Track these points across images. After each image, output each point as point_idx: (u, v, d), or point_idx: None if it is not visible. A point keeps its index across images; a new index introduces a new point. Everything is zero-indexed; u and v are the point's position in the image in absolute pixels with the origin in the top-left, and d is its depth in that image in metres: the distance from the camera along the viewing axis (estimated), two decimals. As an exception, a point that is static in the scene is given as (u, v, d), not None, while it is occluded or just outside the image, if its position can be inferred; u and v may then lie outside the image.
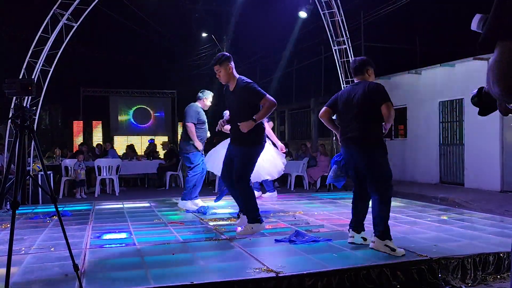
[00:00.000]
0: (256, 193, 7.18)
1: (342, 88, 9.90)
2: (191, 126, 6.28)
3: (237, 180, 4.46)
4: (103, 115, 20.48)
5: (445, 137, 10.93)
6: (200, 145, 6.31)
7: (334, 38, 9.85)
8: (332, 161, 4.42)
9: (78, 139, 18.55)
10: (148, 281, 3.06)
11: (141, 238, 4.56)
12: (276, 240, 4.28)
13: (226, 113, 5.49)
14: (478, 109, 1.44)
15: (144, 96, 20.97)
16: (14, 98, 6.20)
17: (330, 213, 6.21)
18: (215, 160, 5.99)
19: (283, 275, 3.13)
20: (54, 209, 3.08)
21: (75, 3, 7.88)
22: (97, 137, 19.89)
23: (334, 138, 10.53)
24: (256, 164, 5.05)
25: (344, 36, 9.69)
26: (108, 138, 19.54)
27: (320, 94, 16.94)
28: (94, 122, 20.40)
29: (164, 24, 18.64)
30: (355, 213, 4.15)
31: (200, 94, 6.57)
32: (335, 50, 9.92)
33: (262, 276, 3.12)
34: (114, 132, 20.39)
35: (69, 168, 9.32)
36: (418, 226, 5.14)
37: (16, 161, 2.89)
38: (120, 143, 19.16)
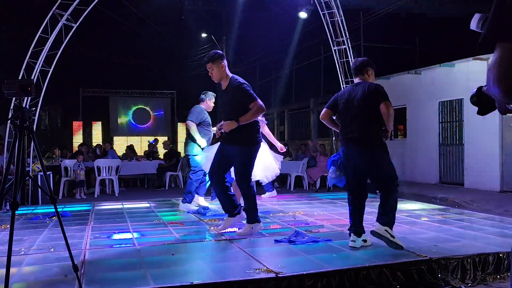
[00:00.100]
0: (268, 194, 7.21)
1: (342, 88, 9.90)
2: (191, 124, 6.25)
3: (239, 181, 4.50)
4: (103, 115, 20.47)
5: (444, 137, 10.94)
6: (203, 142, 6.27)
7: (333, 38, 9.84)
8: (329, 162, 4.40)
9: (78, 140, 18.54)
10: (148, 281, 3.05)
11: (141, 239, 4.56)
12: (276, 241, 4.27)
13: None
14: (477, 108, 1.44)
15: (144, 97, 20.97)
16: (14, 98, 6.19)
17: (330, 213, 6.21)
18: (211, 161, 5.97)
19: (283, 275, 3.13)
20: (53, 210, 3.08)
21: (75, 3, 7.88)
22: (97, 138, 19.88)
23: (333, 138, 10.53)
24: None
25: (344, 36, 9.69)
26: (107, 138, 19.54)
27: (319, 94, 16.94)
28: (93, 122, 20.39)
29: (163, 24, 18.65)
30: (354, 215, 4.12)
31: (203, 96, 6.49)
32: (334, 50, 9.92)
33: (262, 277, 3.11)
34: (113, 132, 20.38)
35: (69, 168, 9.31)
36: (417, 226, 5.14)
37: (15, 161, 2.89)
38: (120, 144, 19.16)
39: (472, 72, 9.38)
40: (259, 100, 4.35)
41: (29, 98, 7.39)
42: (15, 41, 14.97)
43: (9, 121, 6.80)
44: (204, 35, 19.68)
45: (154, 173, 11.13)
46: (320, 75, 16.85)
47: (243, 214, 4.65)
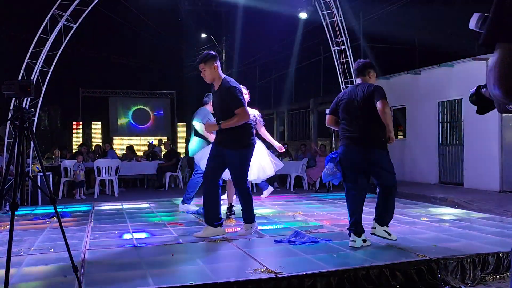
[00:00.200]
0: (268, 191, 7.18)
1: (341, 89, 9.92)
2: (198, 124, 6.20)
3: (236, 184, 4.50)
4: (102, 116, 20.48)
5: (444, 137, 10.94)
6: (213, 138, 6.24)
7: (333, 38, 9.85)
8: (327, 159, 4.43)
9: (77, 140, 18.53)
10: (148, 282, 3.05)
11: (140, 239, 4.56)
12: (276, 241, 4.28)
13: None
14: (476, 108, 1.44)
15: (143, 97, 20.98)
16: (13, 99, 6.20)
17: (330, 213, 6.21)
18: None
19: (283, 275, 3.13)
20: (53, 210, 3.08)
21: (74, 4, 7.88)
22: (97, 138, 19.88)
23: (333, 138, 10.54)
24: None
25: (343, 36, 9.69)
26: (107, 139, 19.54)
27: (319, 95, 16.95)
28: (93, 123, 20.39)
29: (163, 25, 18.65)
30: (353, 213, 4.14)
31: (206, 99, 6.46)
32: (334, 50, 9.92)
33: (261, 277, 3.11)
34: (113, 133, 20.38)
35: (69, 169, 9.31)
36: (417, 226, 5.14)
37: (15, 162, 2.89)
38: (120, 144, 19.16)
39: (471, 72, 9.39)
40: (245, 107, 4.32)
41: (29, 98, 7.39)
42: (14, 41, 14.98)
43: (8, 122, 6.80)
44: (203, 35, 19.70)
45: (154, 174, 11.12)
46: (320, 75, 16.86)
47: (224, 228, 4.54)
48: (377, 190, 4.22)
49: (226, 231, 4.72)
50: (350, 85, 9.78)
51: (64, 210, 6.66)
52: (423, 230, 4.86)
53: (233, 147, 4.36)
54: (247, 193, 4.52)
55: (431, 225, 5.23)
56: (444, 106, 10.86)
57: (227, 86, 4.34)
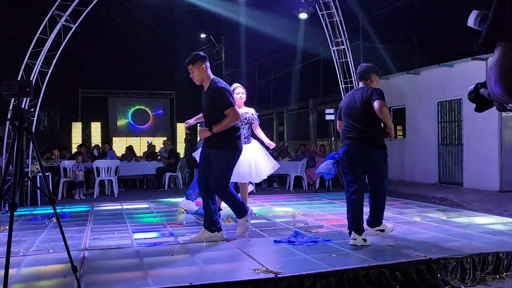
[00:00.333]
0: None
1: (341, 89, 9.93)
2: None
3: (215, 186, 4.30)
4: (102, 116, 20.47)
5: (443, 137, 10.94)
6: None
7: (332, 38, 9.85)
8: (328, 156, 4.66)
9: (77, 141, 18.53)
10: (147, 282, 3.05)
11: (140, 239, 4.56)
12: (275, 241, 4.28)
13: None
14: (475, 106, 1.44)
15: (143, 97, 20.97)
16: (12, 99, 6.19)
17: (329, 213, 6.21)
18: None
19: (282, 275, 3.13)
20: (52, 211, 3.08)
21: (73, 4, 7.88)
22: (96, 139, 19.88)
23: (333, 138, 10.53)
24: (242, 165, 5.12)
25: (343, 36, 9.70)
26: (107, 139, 19.53)
27: (319, 95, 16.95)
28: (93, 123, 20.38)
29: (162, 25, 18.64)
30: (354, 212, 4.20)
31: None
32: (333, 50, 9.93)
33: (261, 277, 3.11)
34: (113, 133, 20.37)
35: (68, 169, 9.30)
36: (417, 226, 5.14)
37: (14, 162, 2.88)
38: (119, 145, 19.15)
39: (471, 72, 9.39)
40: (236, 107, 4.23)
41: (28, 99, 7.39)
42: (14, 41, 14.97)
43: (8, 122, 6.80)
44: (203, 35, 19.69)
45: (154, 174, 11.12)
46: (319, 76, 16.86)
47: (222, 233, 4.44)
48: (369, 191, 4.39)
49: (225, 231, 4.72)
50: (349, 85, 9.82)
51: (63, 210, 6.66)
52: (423, 230, 4.86)
53: (218, 149, 4.25)
54: (229, 195, 4.36)
55: (430, 225, 5.23)
56: (444, 106, 10.86)
57: (216, 87, 4.25)
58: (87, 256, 3.81)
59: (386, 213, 5.96)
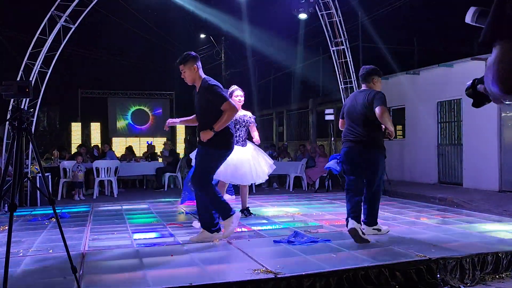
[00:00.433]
0: (229, 197, 7.08)
1: (340, 89, 9.93)
2: None
3: (194, 181, 4.22)
4: (102, 116, 20.45)
5: (443, 137, 10.95)
6: None
7: (332, 39, 9.86)
8: (331, 158, 4.91)
9: (76, 141, 18.51)
10: (147, 282, 3.05)
11: (139, 240, 4.56)
12: (275, 241, 4.28)
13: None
14: (475, 109, 1.44)
15: (143, 98, 20.95)
16: (12, 100, 6.19)
17: (329, 213, 6.21)
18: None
19: (282, 276, 3.13)
20: (52, 211, 3.08)
21: (73, 4, 7.87)
22: (96, 139, 19.86)
23: (332, 138, 10.53)
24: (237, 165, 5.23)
25: (342, 37, 9.70)
26: (106, 139, 19.51)
27: (318, 95, 16.95)
28: (92, 123, 20.35)
29: (162, 25, 18.64)
30: (353, 207, 4.36)
31: None
32: (333, 51, 9.93)
33: (261, 277, 3.11)
34: (112, 133, 20.35)
35: (68, 169, 9.29)
36: (416, 226, 5.14)
37: (13, 163, 2.88)
38: (119, 145, 19.13)
39: (470, 72, 9.38)
40: (230, 100, 4.19)
41: (27, 99, 7.39)
42: (13, 42, 14.96)
43: (7, 123, 6.79)
44: (202, 35, 19.69)
45: (153, 174, 11.12)
46: (319, 76, 16.86)
47: (221, 233, 4.36)
48: (365, 191, 4.49)
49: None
50: (349, 85, 9.82)
51: (63, 211, 6.65)
52: (423, 230, 4.86)
53: (209, 145, 4.16)
54: (212, 193, 4.21)
55: (430, 225, 5.23)
56: (443, 106, 10.86)
57: (206, 85, 4.20)
58: (86, 257, 3.81)
59: (386, 213, 5.99)
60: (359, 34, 13.90)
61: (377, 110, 4.22)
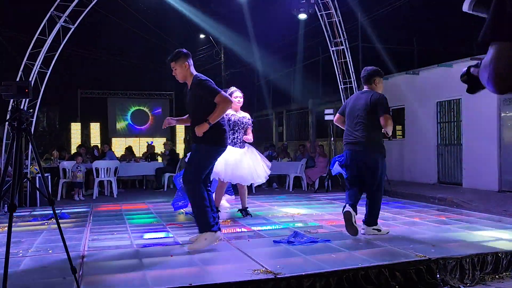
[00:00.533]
0: (229, 197, 7.07)
1: (340, 89, 9.94)
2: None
3: (185, 180, 4.08)
4: (101, 117, 20.44)
5: (443, 137, 10.95)
6: None
7: (331, 39, 9.86)
8: (333, 160, 5.00)
9: (76, 141, 18.50)
10: (147, 283, 3.05)
11: (139, 240, 4.56)
12: (275, 241, 4.28)
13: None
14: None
15: (142, 98, 20.94)
16: (11, 100, 6.18)
17: (328, 214, 6.21)
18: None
19: (282, 276, 3.13)
20: (52, 212, 3.07)
21: (72, 5, 7.87)
22: (95, 139, 19.85)
23: (332, 139, 10.53)
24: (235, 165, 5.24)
25: (342, 37, 9.70)
26: (106, 140, 19.50)
27: (318, 95, 16.94)
28: (92, 124, 20.35)
29: (161, 25, 18.63)
30: (351, 199, 4.54)
31: None
32: (332, 51, 9.93)
33: (260, 278, 3.11)
34: (112, 134, 20.34)
35: (67, 170, 9.29)
36: (416, 227, 5.14)
37: (13, 163, 2.88)
38: (119, 145, 19.12)
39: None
40: (223, 92, 4.05)
41: (27, 99, 7.38)
42: (13, 42, 14.96)
43: (7, 123, 6.79)
44: (202, 36, 19.68)
45: (153, 175, 11.11)
46: (319, 76, 16.86)
47: (220, 233, 4.15)
48: (366, 192, 4.62)
49: (224, 232, 4.72)
50: (348, 85, 9.82)
51: (62, 211, 6.65)
52: (422, 230, 4.86)
53: (200, 141, 4.06)
54: (197, 193, 3.99)
55: (430, 225, 5.23)
56: (443, 106, 10.87)
57: (196, 81, 4.13)
58: (86, 257, 3.81)
59: (386, 214, 5.99)
60: (358, 34, 13.91)
61: (382, 120, 4.38)
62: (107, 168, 9.48)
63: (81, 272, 3.31)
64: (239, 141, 5.75)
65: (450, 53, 12.39)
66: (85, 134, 20.02)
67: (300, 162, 10.52)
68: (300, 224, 5.41)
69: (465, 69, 1.41)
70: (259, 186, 9.70)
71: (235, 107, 5.85)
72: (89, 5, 8.04)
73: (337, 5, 9.58)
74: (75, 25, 8.14)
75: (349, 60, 9.74)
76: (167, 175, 10.84)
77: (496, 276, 3.68)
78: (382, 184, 4.60)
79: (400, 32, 14.91)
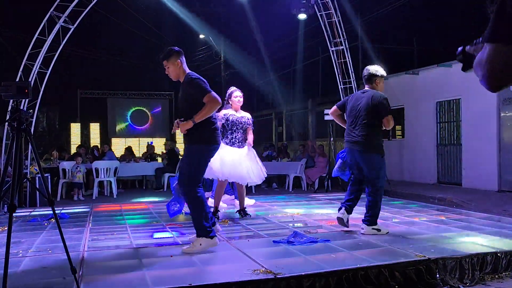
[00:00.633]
0: (228, 196, 7.06)
1: (340, 89, 9.94)
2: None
3: (181, 181, 3.99)
4: (101, 117, 20.44)
5: (442, 137, 10.95)
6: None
7: (331, 39, 9.86)
8: (337, 156, 5.06)
9: (76, 141, 18.49)
10: (147, 283, 3.05)
11: (139, 240, 4.56)
12: (275, 241, 4.28)
13: (218, 115, 5.51)
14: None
15: (142, 98, 20.94)
16: (11, 100, 6.19)
17: (329, 214, 6.21)
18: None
19: (282, 276, 3.13)
20: (51, 212, 3.08)
21: (72, 5, 7.87)
22: (95, 139, 19.85)
23: (332, 139, 10.54)
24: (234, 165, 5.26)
25: (341, 37, 9.71)
26: (106, 140, 19.49)
27: (317, 95, 16.95)
28: (92, 124, 20.35)
29: (161, 25, 18.62)
30: (350, 198, 4.71)
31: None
32: (332, 51, 9.93)
33: (260, 278, 3.11)
34: (112, 134, 20.34)
35: (67, 170, 9.29)
36: (416, 226, 5.15)
37: (13, 163, 2.88)
38: (118, 145, 19.12)
39: (470, 73, 9.38)
40: (213, 92, 3.92)
41: (27, 100, 7.38)
42: (12, 42, 14.95)
43: (6, 123, 6.79)
44: (201, 36, 19.67)
45: (153, 175, 11.11)
46: (318, 76, 16.86)
47: (216, 240, 4.05)
48: (366, 191, 4.70)
49: (223, 232, 4.72)
50: (348, 85, 9.82)
51: (62, 211, 6.65)
52: (422, 230, 4.87)
53: (191, 141, 4.01)
54: (193, 198, 3.90)
55: (430, 225, 5.23)
56: (442, 106, 10.87)
57: (188, 79, 4.06)
58: (86, 257, 3.81)
59: (386, 213, 5.99)
60: (358, 34, 13.91)
61: (384, 121, 4.51)
62: (107, 168, 9.48)
63: (81, 272, 3.31)
64: (237, 141, 5.75)
65: (450, 53, 12.30)
66: (85, 134, 20.02)
67: (299, 162, 10.52)
68: (299, 224, 5.42)
69: (460, 48, 1.42)
70: (258, 186, 9.71)
71: (235, 107, 5.85)
72: (89, 5, 8.04)
73: (336, 5, 9.59)
74: (75, 25, 8.14)
75: (349, 60, 9.74)
76: (167, 175, 10.83)
77: (496, 276, 3.68)
78: (382, 184, 4.64)
79: (400, 32, 14.91)
